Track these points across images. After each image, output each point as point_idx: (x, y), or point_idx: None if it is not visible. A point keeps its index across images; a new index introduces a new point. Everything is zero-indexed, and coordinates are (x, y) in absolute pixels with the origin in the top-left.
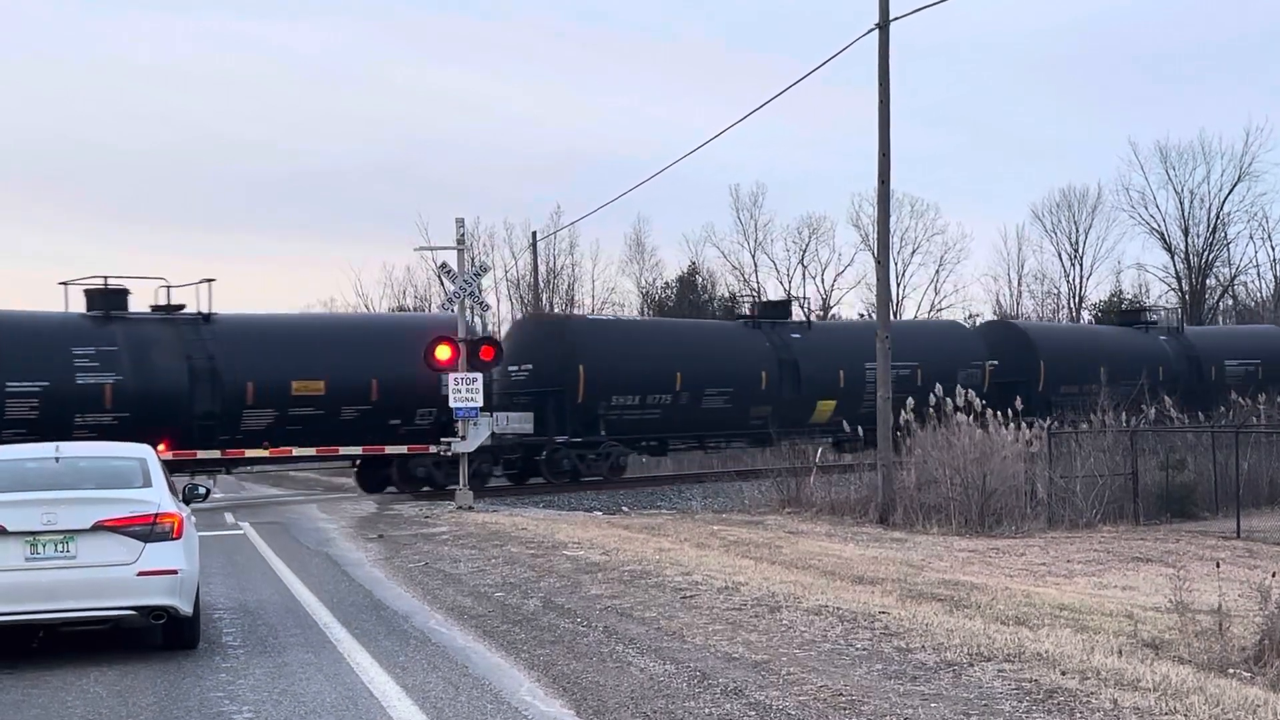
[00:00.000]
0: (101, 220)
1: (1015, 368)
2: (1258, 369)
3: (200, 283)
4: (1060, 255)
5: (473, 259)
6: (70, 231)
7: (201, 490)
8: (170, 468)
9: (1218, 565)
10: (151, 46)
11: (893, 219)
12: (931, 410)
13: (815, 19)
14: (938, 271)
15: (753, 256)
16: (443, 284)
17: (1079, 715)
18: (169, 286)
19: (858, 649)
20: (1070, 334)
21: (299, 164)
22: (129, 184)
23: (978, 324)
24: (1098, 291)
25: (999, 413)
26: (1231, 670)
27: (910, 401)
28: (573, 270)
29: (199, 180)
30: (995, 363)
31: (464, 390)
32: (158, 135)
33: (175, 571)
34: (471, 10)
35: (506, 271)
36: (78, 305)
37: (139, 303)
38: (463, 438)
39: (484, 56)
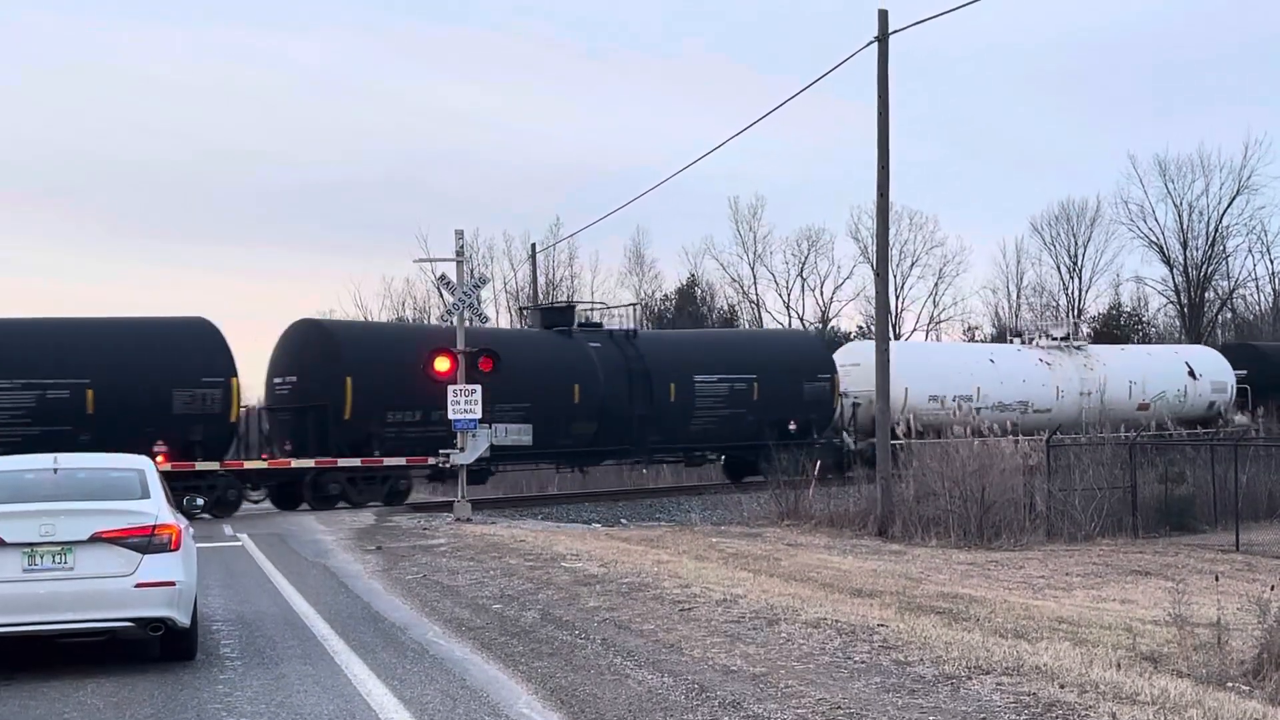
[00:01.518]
0: (101, 232)
1: (320, 386)
2: (752, 387)
3: None
4: (1059, 268)
5: (472, 271)
6: (69, 243)
7: (199, 501)
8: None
9: (1216, 578)
10: (151, 57)
11: (892, 231)
12: None
13: (815, 19)
14: (937, 284)
15: (752, 269)
16: (442, 296)
17: None
18: None
19: (856, 662)
20: (406, 338)
21: (298, 175)
22: (127, 196)
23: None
24: (1097, 304)
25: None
26: (1230, 684)
27: (85, 438)
28: (572, 282)
29: (197, 191)
30: (293, 380)
31: (463, 402)
32: (156, 147)
33: (173, 583)
34: (471, 23)
35: (506, 283)
36: None
37: None
38: (461, 449)
39: (484, 69)
